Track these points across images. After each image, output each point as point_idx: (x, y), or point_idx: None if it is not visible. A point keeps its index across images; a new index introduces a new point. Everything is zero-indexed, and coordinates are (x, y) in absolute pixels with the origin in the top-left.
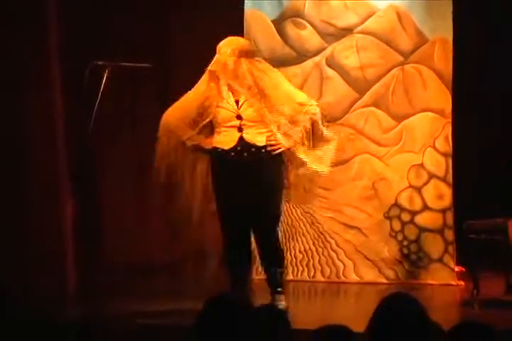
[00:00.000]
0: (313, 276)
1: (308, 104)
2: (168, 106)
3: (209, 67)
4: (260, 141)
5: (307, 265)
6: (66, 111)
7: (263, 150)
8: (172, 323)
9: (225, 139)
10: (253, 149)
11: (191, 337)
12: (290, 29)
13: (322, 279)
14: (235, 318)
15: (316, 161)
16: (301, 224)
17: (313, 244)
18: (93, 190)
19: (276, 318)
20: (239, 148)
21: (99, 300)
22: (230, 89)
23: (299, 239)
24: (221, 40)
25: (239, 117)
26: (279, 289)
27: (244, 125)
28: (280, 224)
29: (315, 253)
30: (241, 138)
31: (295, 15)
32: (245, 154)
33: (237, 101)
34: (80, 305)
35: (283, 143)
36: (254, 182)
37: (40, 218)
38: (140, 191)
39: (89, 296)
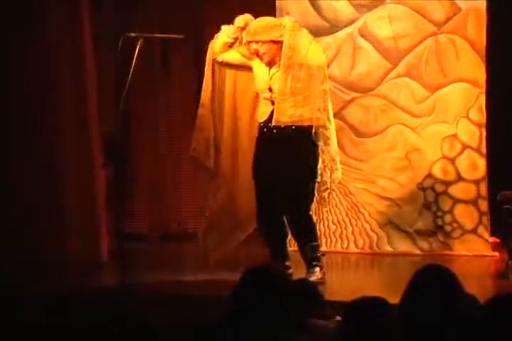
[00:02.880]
0: (347, 247)
1: None
2: (202, 76)
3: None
4: (289, 115)
5: (340, 236)
6: (100, 82)
7: (293, 127)
8: (207, 293)
9: (260, 111)
10: (282, 126)
11: (227, 307)
12: (323, 0)
13: (355, 250)
14: (271, 290)
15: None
16: (334, 195)
17: (347, 215)
18: (126, 159)
19: (308, 292)
20: (269, 124)
21: (133, 268)
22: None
23: (333, 210)
24: (253, 11)
25: (270, 90)
26: (314, 263)
27: (275, 98)
28: (311, 201)
29: (348, 224)
30: (272, 113)
31: None
32: (275, 131)
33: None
34: (114, 272)
35: (319, 119)
36: (281, 160)
37: (74, 186)
38: (173, 159)
39: (122, 264)
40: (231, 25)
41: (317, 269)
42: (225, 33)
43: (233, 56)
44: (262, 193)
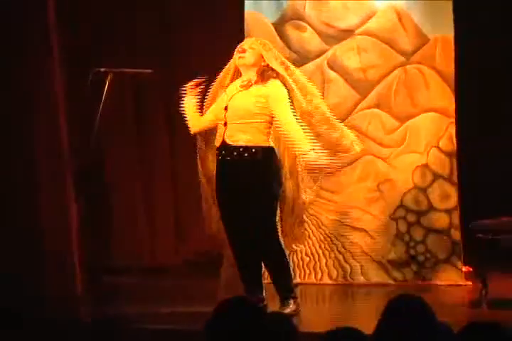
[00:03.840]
0: (321, 279)
1: None
2: (172, 108)
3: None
4: (241, 140)
5: (314, 268)
6: (70, 118)
7: (245, 155)
8: (180, 327)
9: (217, 136)
10: (235, 153)
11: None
12: (291, 31)
13: (329, 282)
14: (245, 323)
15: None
16: (307, 227)
17: (320, 246)
18: (99, 192)
19: (282, 324)
20: (223, 151)
21: (106, 301)
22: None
23: (306, 241)
24: (222, 42)
25: (226, 108)
26: (287, 294)
27: (228, 118)
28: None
29: (322, 255)
30: (223, 137)
31: (295, 17)
32: (228, 158)
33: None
34: (87, 306)
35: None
36: (237, 188)
37: (46, 220)
38: (147, 193)
39: (96, 297)
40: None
41: (291, 301)
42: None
43: (206, 119)
44: (231, 224)
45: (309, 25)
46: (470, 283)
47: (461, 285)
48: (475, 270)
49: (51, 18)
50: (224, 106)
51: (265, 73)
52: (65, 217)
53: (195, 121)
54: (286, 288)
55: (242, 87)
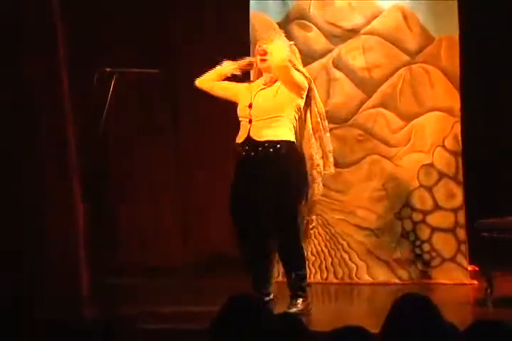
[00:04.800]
0: (326, 278)
1: None
2: (177, 109)
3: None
4: (266, 135)
5: (320, 267)
6: (76, 118)
7: (271, 150)
8: (185, 326)
9: (240, 133)
10: (260, 148)
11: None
12: (296, 31)
13: (335, 281)
14: (251, 322)
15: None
16: (313, 226)
17: (326, 245)
18: (106, 193)
19: (292, 325)
20: (247, 147)
21: (113, 302)
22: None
23: (311, 241)
24: (228, 43)
25: (250, 106)
26: (298, 293)
27: (253, 115)
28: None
29: (327, 255)
30: (249, 133)
31: (300, 17)
32: (252, 153)
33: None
34: (94, 307)
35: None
36: (264, 182)
37: (52, 220)
38: (154, 193)
39: (102, 299)
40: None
41: (299, 300)
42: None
43: (223, 86)
44: (247, 219)
45: (314, 24)
46: (475, 281)
47: (466, 284)
48: (480, 269)
49: (56, 18)
50: (248, 104)
51: None
52: (71, 217)
53: (208, 79)
54: (298, 285)
55: (264, 84)
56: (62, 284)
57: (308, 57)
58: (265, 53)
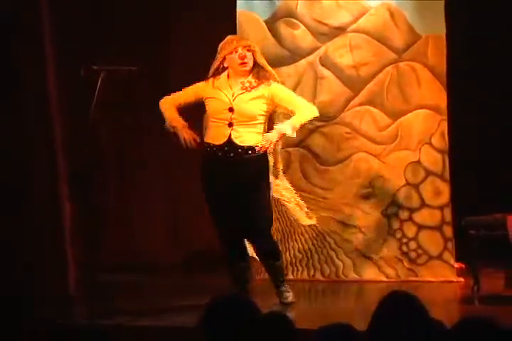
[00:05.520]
0: (313, 276)
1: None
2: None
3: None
4: (248, 140)
5: (306, 265)
6: (63, 115)
7: (249, 152)
8: (176, 324)
9: (215, 134)
10: (240, 150)
11: (193, 337)
12: (283, 29)
13: (322, 278)
14: (238, 321)
15: None
16: (300, 224)
17: (312, 243)
18: (93, 191)
19: (279, 324)
20: (226, 149)
21: (101, 300)
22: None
23: (298, 238)
24: (215, 41)
25: (231, 110)
26: (283, 283)
27: (234, 119)
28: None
29: (314, 252)
30: (230, 136)
31: (287, 15)
32: (231, 154)
33: (232, 96)
34: (82, 305)
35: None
36: (239, 182)
37: (39, 218)
38: (142, 191)
39: (91, 297)
40: None
41: (286, 288)
42: None
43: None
44: (224, 218)
45: (301, 22)
46: (462, 279)
47: (453, 281)
48: (467, 266)
49: (45, 16)
50: (228, 108)
51: (260, 73)
52: (58, 215)
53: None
54: (281, 277)
55: (244, 88)
56: (51, 284)
57: (295, 55)
58: (245, 57)
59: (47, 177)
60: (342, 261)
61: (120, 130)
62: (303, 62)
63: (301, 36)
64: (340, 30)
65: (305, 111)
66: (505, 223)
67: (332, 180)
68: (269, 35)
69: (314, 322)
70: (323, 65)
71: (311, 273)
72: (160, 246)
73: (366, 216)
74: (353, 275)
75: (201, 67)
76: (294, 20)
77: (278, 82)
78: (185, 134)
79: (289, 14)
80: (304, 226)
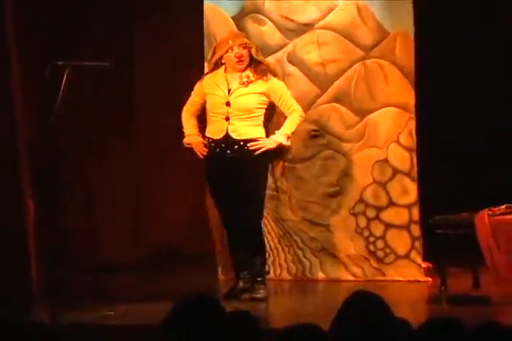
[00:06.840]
0: (280, 274)
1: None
2: (132, 105)
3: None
4: (244, 133)
5: (273, 263)
6: (27, 110)
7: (245, 148)
8: (140, 323)
9: (214, 129)
10: (236, 147)
11: (158, 337)
12: (250, 25)
13: (288, 277)
14: (204, 320)
15: None
16: (266, 222)
17: (279, 242)
18: (56, 189)
19: (244, 324)
20: (223, 145)
21: (64, 300)
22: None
23: (265, 237)
24: (182, 37)
25: (228, 104)
26: (260, 278)
27: (231, 113)
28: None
29: (281, 251)
30: (227, 131)
31: (255, 11)
32: (228, 151)
33: (229, 91)
34: (44, 305)
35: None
36: (236, 179)
37: (1, 218)
38: (105, 190)
39: (53, 296)
40: None
41: (262, 286)
42: None
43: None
44: (228, 209)
45: (269, 19)
46: (429, 279)
47: (420, 281)
48: (434, 266)
49: (8, 13)
50: (225, 102)
51: (258, 68)
52: (21, 214)
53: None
54: (260, 271)
55: (241, 83)
56: (14, 284)
57: (262, 52)
58: (241, 56)
59: (12, 176)
60: (309, 260)
61: (85, 128)
62: (270, 59)
63: (268, 33)
64: (308, 26)
65: (295, 115)
66: (473, 222)
67: (299, 178)
68: (236, 31)
69: (281, 322)
70: (290, 62)
71: (278, 271)
72: (122, 246)
73: (333, 214)
74: (319, 275)
75: (169, 61)
76: (261, 17)
77: (276, 75)
78: (201, 150)
79: (257, 10)
80: (270, 224)
